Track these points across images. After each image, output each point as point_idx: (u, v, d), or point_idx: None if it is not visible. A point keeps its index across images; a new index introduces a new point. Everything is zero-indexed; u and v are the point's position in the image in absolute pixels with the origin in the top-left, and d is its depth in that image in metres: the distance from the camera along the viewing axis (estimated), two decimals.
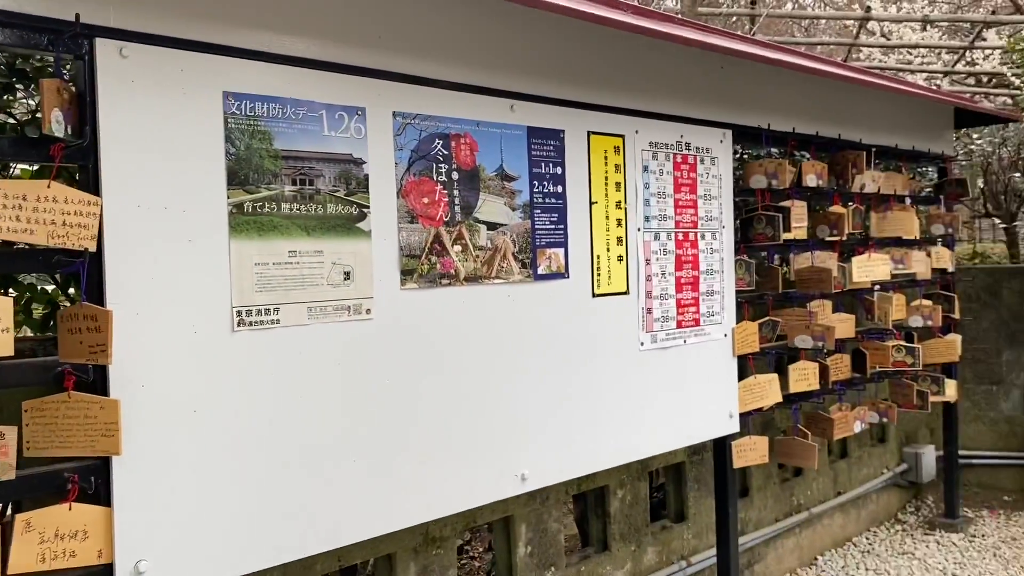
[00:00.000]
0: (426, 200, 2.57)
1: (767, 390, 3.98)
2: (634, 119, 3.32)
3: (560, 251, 3.03)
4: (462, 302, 2.67)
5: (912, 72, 8.20)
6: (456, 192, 2.67)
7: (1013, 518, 5.87)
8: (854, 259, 4.56)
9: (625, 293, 3.30)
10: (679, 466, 4.42)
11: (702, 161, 3.63)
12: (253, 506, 2.16)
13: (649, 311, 3.40)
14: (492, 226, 2.78)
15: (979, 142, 7.33)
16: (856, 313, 4.73)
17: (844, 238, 4.44)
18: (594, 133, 3.16)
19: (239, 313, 2.11)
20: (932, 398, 5.17)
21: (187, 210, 2.03)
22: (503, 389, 2.81)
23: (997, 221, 7.81)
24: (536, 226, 2.93)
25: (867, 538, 5.58)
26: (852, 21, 7.80)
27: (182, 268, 2.02)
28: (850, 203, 4.60)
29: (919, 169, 5.92)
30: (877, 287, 4.85)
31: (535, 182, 2.94)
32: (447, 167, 2.64)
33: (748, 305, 3.96)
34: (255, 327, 2.14)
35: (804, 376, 4.22)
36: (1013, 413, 6.36)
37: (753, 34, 7.34)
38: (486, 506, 3.19)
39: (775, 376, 4.03)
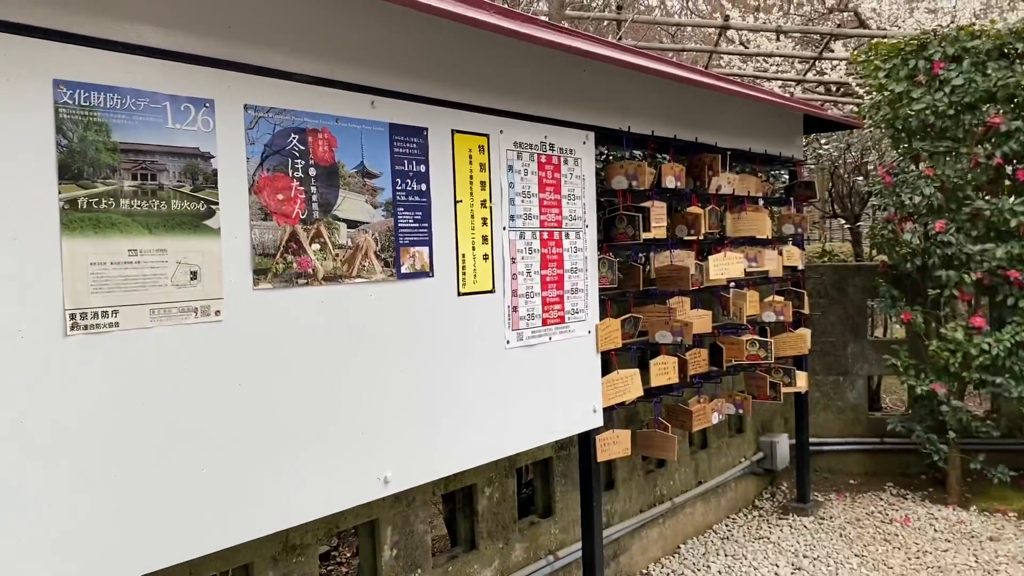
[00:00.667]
0: (281, 197, 2.49)
1: (629, 384, 4.08)
2: (499, 119, 3.33)
3: (424, 250, 3.00)
4: (321, 302, 2.61)
5: (768, 80, 8.62)
6: (314, 189, 2.60)
7: (858, 500, 6.26)
8: (711, 258, 4.74)
9: (491, 292, 3.31)
10: (547, 461, 4.48)
11: (566, 162, 3.68)
12: (91, 522, 2.03)
13: (515, 309, 3.42)
14: (353, 224, 2.73)
15: (827, 147, 7.79)
16: (713, 309, 4.92)
17: (701, 237, 4.61)
18: (459, 132, 3.15)
19: (72, 316, 1.98)
20: (784, 389, 5.45)
21: (11, 205, 1.88)
22: (365, 390, 2.76)
23: (843, 222, 8.36)
24: (399, 224, 2.89)
25: (727, 525, 5.83)
26: (712, 29, 8.13)
27: (5, 268, 1.87)
28: (707, 204, 4.78)
29: (772, 172, 6.22)
30: (732, 284, 5.06)
31: (398, 180, 2.90)
32: (304, 163, 2.57)
33: (611, 302, 4.05)
34: (91, 331, 2.01)
35: (664, 370, 4.36)
36: (858, 402, 6.79)
37: (619, 39, 7.52)
38: (349, 510, 3.13)
39: (637, 371, 4.14)
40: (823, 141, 7.75)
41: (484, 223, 3.27)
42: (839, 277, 6.77)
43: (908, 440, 6.34)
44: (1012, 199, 5.69)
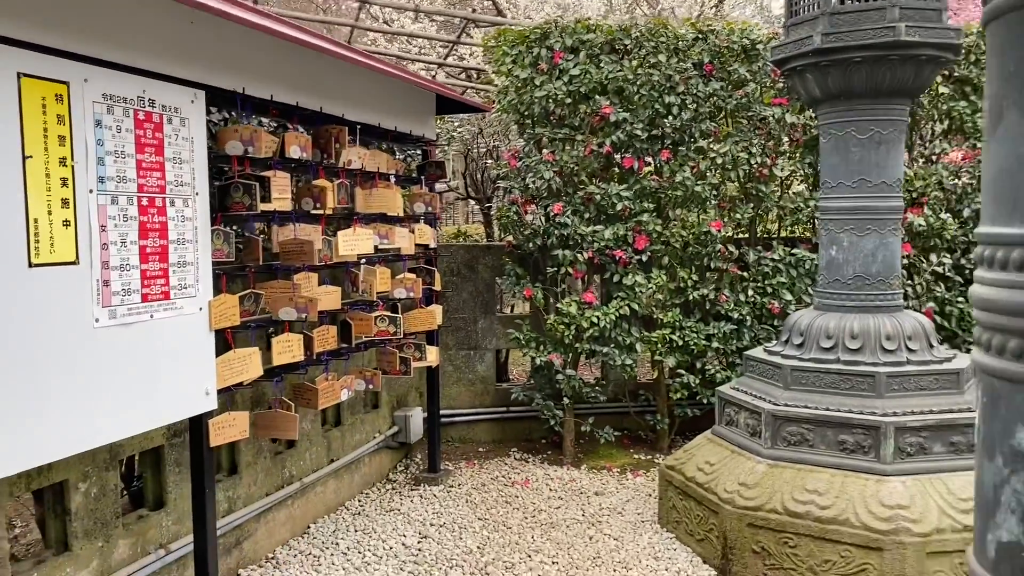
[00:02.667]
0: None
1: (248, 364, 3.88)
2: (84, 65, 2.93)
3: None
4: None
5: (411, 61, 8.77)
6: None
7: (485, 466, 6.64)
8: (340, 233, 4.67)
9: (74, 263, 2.92)
10: (158, 450, 4.11)
11: (170, 121, 3.36)
12: None
13: (106, 283, 3.06)
14: None
15: (461, 130, 8.12)
16: (343, 286, 4.86)
17: (330, 212, 4.53)
18: (28, 76, 2.71)
19: None
20: (415, 363, 5.58)
21: None
22: None
23: (475, 204, 8.80)
24: None
25: (359, 500, 5.85)
26: (355, 3, 8.06)
27: None
28: (335, 178, 4.70)
29: (407, 151, 6.32)
30: (364, 261, 5.05)
31: None
32: None
33: (228, 278, 3.81)
34: None
35: (288, 348, 4.21)
36: (487, 373, 7.20)
37: (256, 2, 7.16)
38: None
39: (256, 349, 3.95)
40: (457, 124, 8.07)
41: (64, 184, 2.87)
42: (471, 256, 7.09)
43: (530, 408, 6.84)
44: (619, 186, 6.35)
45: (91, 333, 2.99)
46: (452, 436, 7.14)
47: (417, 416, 6.61)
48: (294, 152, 4.24)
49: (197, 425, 3.72)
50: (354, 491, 5.92)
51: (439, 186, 6.32)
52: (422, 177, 5.90)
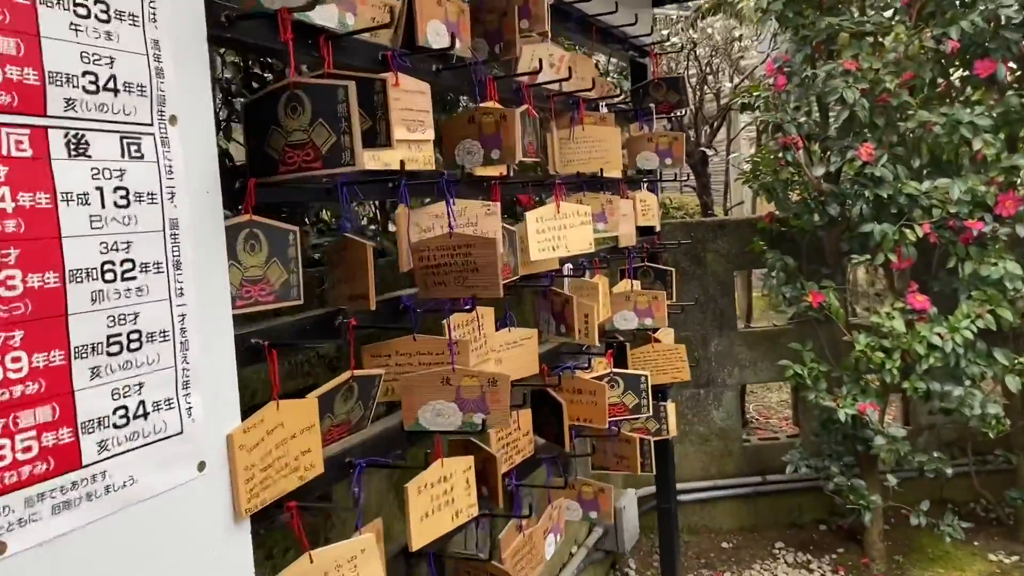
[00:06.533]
0: None
1: None
2: None
3: None
4: None
5: None
6: None
7: None
8: (531, 216, 2.21)
9: None
10: None
11: None
12: None
13: None
14: None
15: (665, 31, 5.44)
16: (538, 322, 2.39)
17: (507, 172, 2.06)
18: None
19: None
20: (652, 440, 3.08)
21: None
22: None
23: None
24: None
25: None
26: None
27: None
28: (518, 98, 2.21)
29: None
30: (569, 267, 2.57)
31: None
32: None
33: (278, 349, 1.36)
34: None
35: (443, 499, 1.75)
36: (727, 424, 4.59)
37: None
38: None
39: (370, 535, 1.50)
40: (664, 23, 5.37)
41: None
42: (694, 240, 4.49)
43: (800, 478, 4.24)
44: (969, 110, 3.63)
45: None
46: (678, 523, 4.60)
47: (631, 506, 4.10)
48: (435, 34, 1.78)
49: None
50: None
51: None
52: (646, 107, 3.32)
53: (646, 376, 2.57)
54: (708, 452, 4.57)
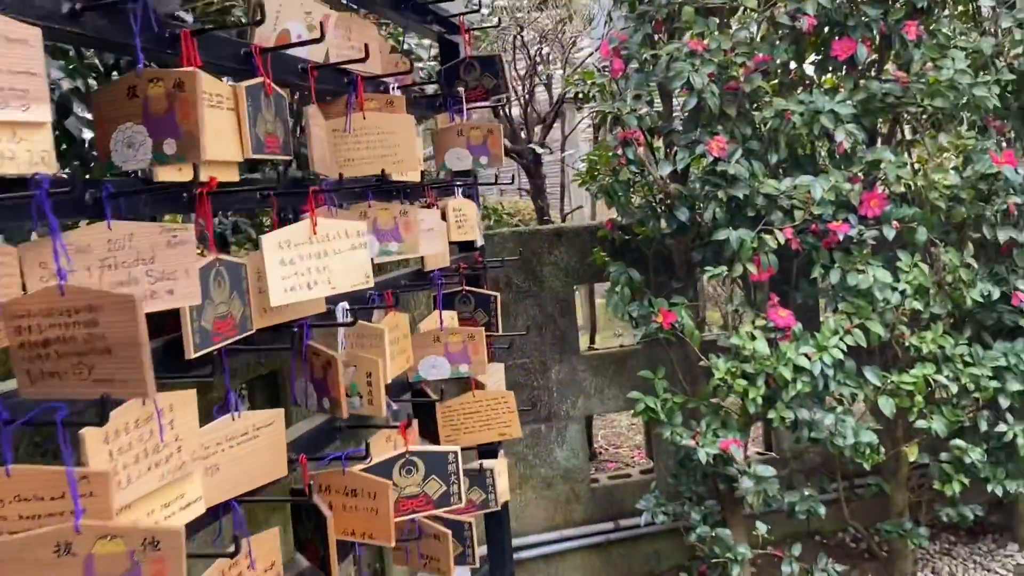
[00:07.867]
0: None
1: None
2: None
3: None
4: None
5: None
6: None
7: None
8: (266, 239, 1.48)
9: None
10: None
11: None
12: None
13: None
14: None
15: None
16: (290, 397, 1.65)
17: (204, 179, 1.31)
18: None
19: None
20: (469, 516, 2.39)
21: None
22: None
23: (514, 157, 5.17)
24: None
25: None
26: None
27: None
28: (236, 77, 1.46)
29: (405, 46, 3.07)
30: (344, 308, 1.85)
31: None
32: None
33: None
34: None
35: None
36: (573, 464, 3.97)
37: None
38: None
39: None
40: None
41: None
42: (527, 252, 3.85)
43: (656, 523, 3.68)
44: (829, 98, 3.17)
45: None
46: None
47: None
48: None
49: None
50: None
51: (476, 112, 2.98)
52: (452, 93, 2.62)
53: (455, 453, 1.87)
54: (552, 498, 3.94)
